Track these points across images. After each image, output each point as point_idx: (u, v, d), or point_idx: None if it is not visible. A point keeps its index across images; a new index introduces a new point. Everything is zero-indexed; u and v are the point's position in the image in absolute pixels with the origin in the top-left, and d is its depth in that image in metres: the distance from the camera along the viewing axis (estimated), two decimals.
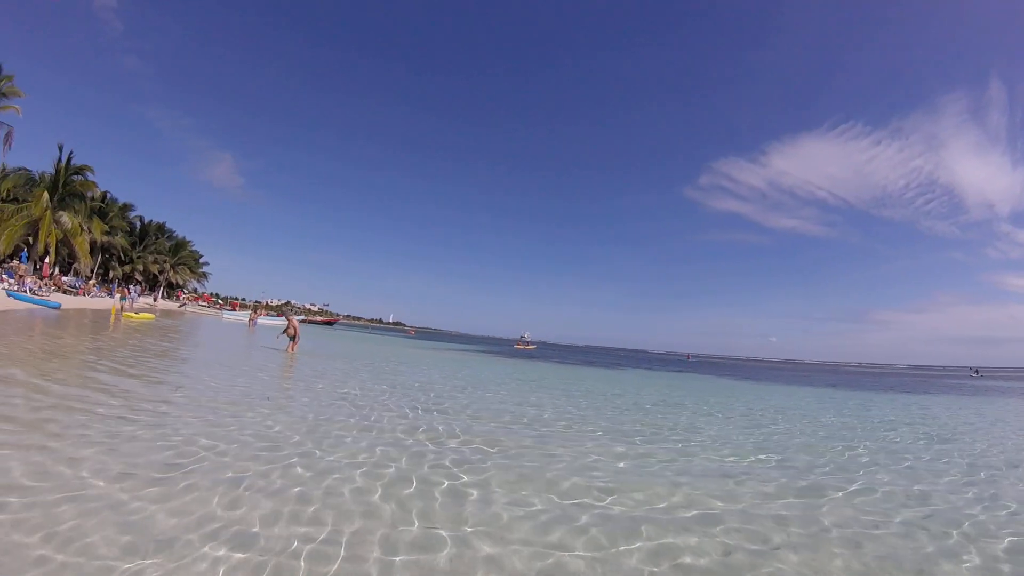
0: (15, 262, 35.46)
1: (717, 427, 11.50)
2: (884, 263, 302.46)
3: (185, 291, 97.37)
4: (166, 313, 50.99)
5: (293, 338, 21.87)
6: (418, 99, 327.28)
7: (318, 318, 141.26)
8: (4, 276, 33.40)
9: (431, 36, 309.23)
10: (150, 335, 21.35)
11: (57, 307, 29.32)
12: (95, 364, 11.23)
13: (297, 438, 6.83)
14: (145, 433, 6.21)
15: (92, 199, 53.66)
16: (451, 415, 9.91)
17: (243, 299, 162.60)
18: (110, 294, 56.21)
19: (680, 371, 46.25)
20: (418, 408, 10.45)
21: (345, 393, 11.55)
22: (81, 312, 30.03)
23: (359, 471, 5.62)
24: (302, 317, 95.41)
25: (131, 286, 48.39)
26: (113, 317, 29.02)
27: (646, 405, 15.06)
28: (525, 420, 10.24)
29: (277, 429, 7.24)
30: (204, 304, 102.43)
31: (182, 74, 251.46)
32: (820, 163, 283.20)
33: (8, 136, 33.92)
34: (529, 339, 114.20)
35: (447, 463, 6.37)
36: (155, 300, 74.72)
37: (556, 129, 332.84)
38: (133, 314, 31.81)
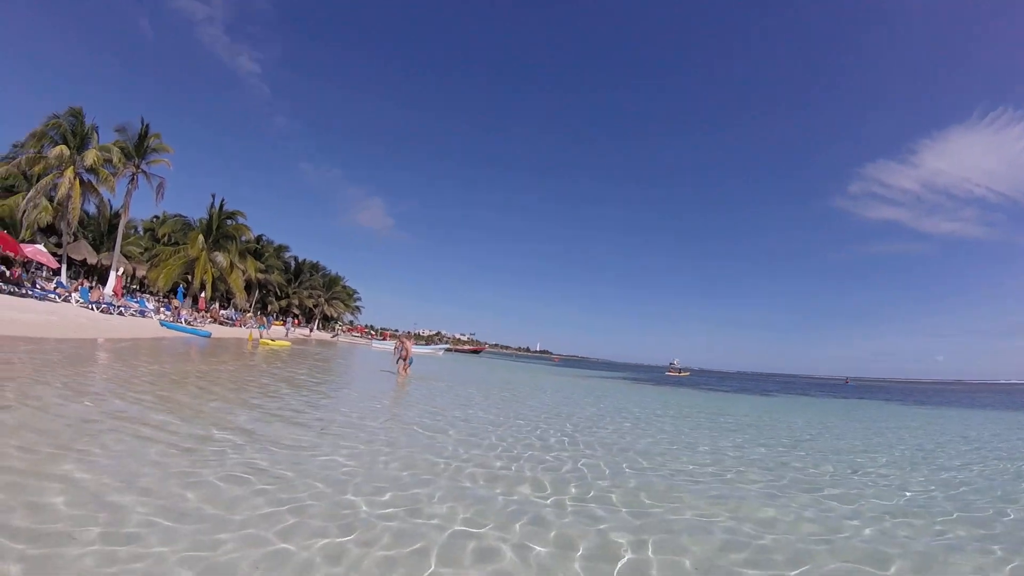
0: (175, 299, 40.89)
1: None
2: None
3: (340, 323, 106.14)
4: (320, 343, 56.16)
5: (406, 360, 21.68)
6: (552, 122, 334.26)
7: (465, 347, 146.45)
8: (163, 309, 38.64)
9: (566, 61, 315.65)
10: (279, 359, 22.95)
11: (207, 335, 32.73)
12: (220, 381, 12.30)
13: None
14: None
15: (248, 241, 60.87)
16: (597, 453, 8.58)
17: (395, 330, 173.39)
18: (264, 325, 63.10)
19: (844, 397, 42.86)
20: (563, 445, 9.06)
21: (469, 418, 11.16)
22: (227, 340, 33.46)
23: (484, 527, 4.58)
24: (445, 346, 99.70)
25: (267, 316, 53.55)
26: (250, 344, 31.79)
27: (832, 446, 12.11)
28: (684, 461, 8.51)
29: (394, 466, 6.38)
30: (357, 335, 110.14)
31: (328, 128, 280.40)
32: (974, 157, 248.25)
33: (160, 187, 39.51)
34: (679, 366, 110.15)
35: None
36: (311, 331, 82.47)
37: (690, 141, 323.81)
38: (269, 340, 34.62)
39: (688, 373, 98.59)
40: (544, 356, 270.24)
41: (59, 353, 13.27)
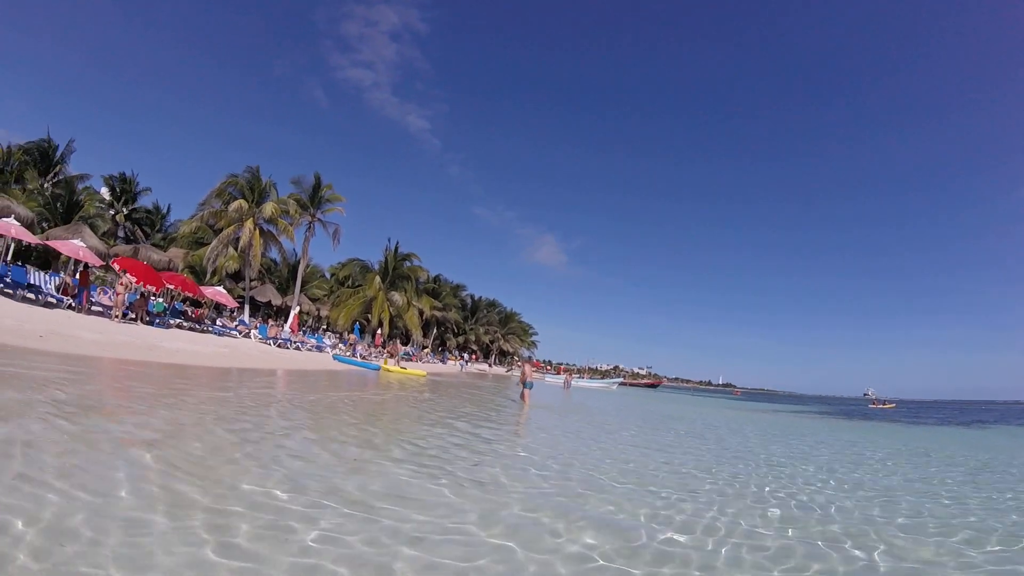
0: (351, 335, 42.33)
1: None
2: None
3: (517, 358, 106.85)
4: (497, 377, 55.77)
5: (524, 385, 19.89)
6: (715, 146, 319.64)
7: (642, 381, 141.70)
8: (339, 344, 39.97)
9: (729, 83, 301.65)
10: (405, 390, 20.88)
11: (376, 369, 32.75)
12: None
13: None
14: None
15: (424, 281, 62.76)
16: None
17: (572, 364, 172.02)
18: (442, 360, 64.32)
19: None
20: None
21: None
22: (398, 376, 32.82)
23: None
24: (618, 380, 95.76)
25: (397, 342, 53.56)
26: (383, 372, 30.53)
27: None
28: None
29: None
30: (534, 369, 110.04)
31: (499, 173, 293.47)
32: None
33: (336, 233, 41.37)
34: (874, 395, 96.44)
35: None
36: (489, 366, 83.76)
37: (855, 153, 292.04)
38: (399, 368, 32.99)
39: (894, 405, 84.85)
40: (726, 389, 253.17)
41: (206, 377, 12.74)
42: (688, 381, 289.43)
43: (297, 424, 8.63)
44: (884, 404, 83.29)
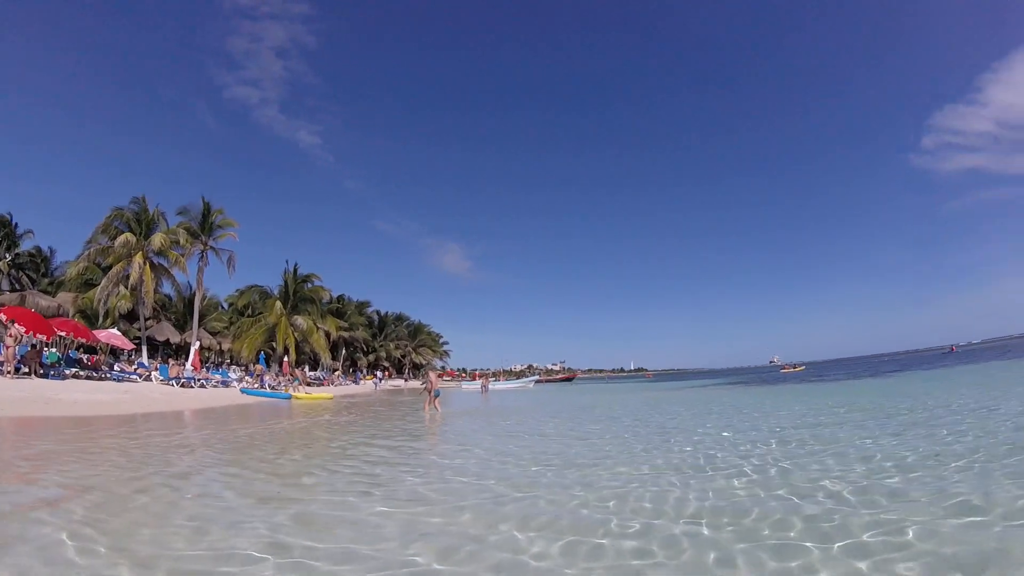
0: (257, 365, 41.74)
1: None
2: None
3: (425, 369, 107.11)
4: (413, 391, 55.43)
5: (431, 393, 20.41)
6: (607, 136, 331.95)
7: (557, 376, 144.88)
8: (246, 377, 39.45)
9: (613, 101, 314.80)
10: (318, 415, 20.84)
11: (288, 397, 32.70)
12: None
13: None
14: None
15: (328, 302, 62.43)
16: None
17: (487, 369, 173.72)
18: (355, 381, 64.02)
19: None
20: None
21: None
22: (305, 402, 32.78)
23: None
24: (534, 378, 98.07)
25: (304, 368, 53.18)
26: (294, 400, 30.80)
27: None
28: None
29: None
30: (448, 379, 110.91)
31: (397, 185, 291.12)
32: None
33: (230, 260, 40.84)
34: (780, 362, 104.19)
35: None
36: (404, 381, 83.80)
37: (747, 130, 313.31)
38: (306, 395, 33.44)
39: (803, 368, 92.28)
40: (638, 374, 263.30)
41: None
42: (602, 371, 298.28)
43: (208, 463, 8.63)
44: (794, 367, 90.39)
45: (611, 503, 5.48)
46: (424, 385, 21.37)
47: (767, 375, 72.35)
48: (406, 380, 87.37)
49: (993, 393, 16.75)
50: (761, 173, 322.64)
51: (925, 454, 7.46)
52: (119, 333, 30.67)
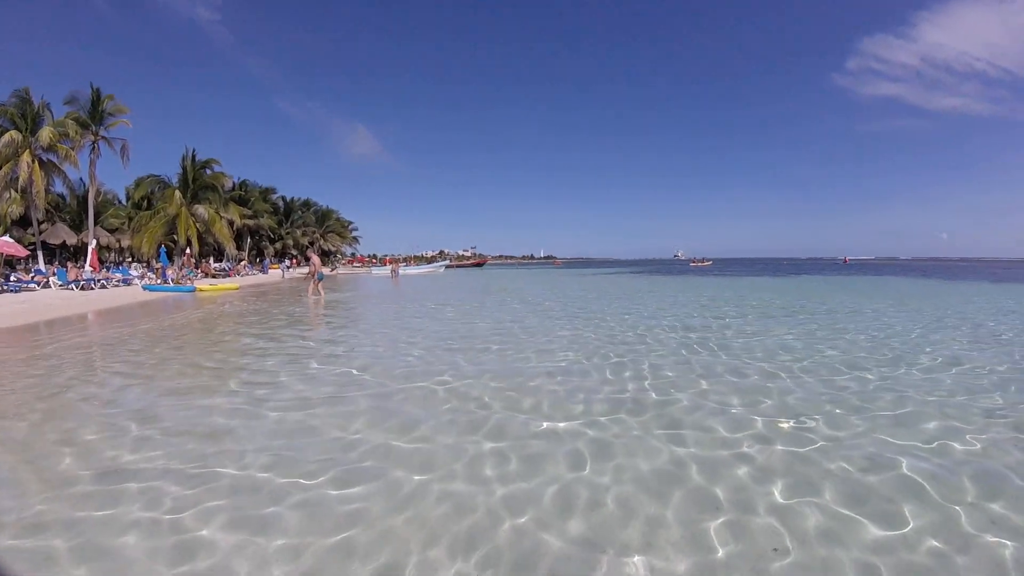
0: (157, 261, 40.05)
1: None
2: None
3: (339, 256, 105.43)
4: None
5: (314, 277, 20.54)
6: (530, 29, 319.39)
7: (467, 262, 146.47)
8: (148, 274, 37.97)
9: None
10: (223, 306, 19.97)
11: (191, 290, 31.72)
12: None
13: None
14: None
15: (233, 188, 59.54)
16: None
17: (397, 255, 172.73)
18: (263, 270, 62.53)
19: (847, 274, 45.33)
20: None
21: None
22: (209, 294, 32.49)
23: None
24: (444, 263, 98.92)
25: (205, 260, 51.37)
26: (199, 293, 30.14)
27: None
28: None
29: None
30: (358, 265, 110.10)
31: (300, 63, 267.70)
32: (975, 29, 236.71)
33: (124, 149, 37.97)
34: (683, 256, 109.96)
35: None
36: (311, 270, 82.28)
37: (683, 39, 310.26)
38: (212, 286, 32.37)
39: (711, 263, 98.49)
40: (547, 262, 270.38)
41: None
42: (512, 257, 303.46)
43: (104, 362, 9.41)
44: (702, 262, 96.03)
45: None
46: (308, 269, 21.46)
47: (675, 267, 76.79)
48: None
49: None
50: (684, 78, 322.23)
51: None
52: (11, 240, 28.51)
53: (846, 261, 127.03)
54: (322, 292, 20.45)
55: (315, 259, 21.37)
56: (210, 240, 49.98)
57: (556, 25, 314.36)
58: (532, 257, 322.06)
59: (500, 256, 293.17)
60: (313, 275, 20.72)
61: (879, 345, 10.06)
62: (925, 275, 47.81)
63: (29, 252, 33.72)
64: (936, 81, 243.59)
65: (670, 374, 7.64)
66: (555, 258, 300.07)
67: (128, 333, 13.17)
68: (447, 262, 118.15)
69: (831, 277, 44.94)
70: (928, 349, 9.65)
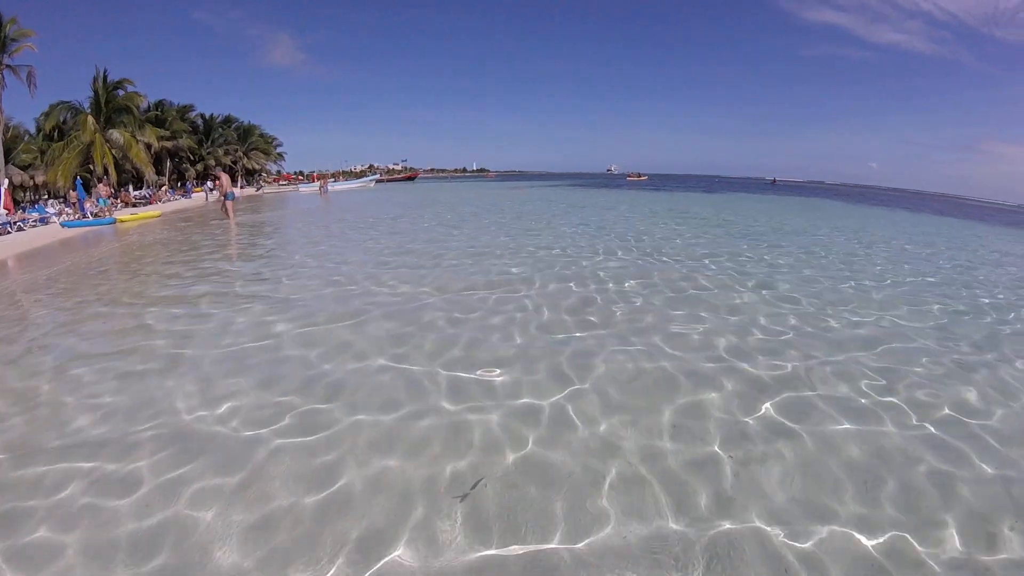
0: (73, 193, 38.09)
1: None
2: (1001, 89, 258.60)
3: (264, 174, 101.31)
4: (249, 199, 53.35)
5: (224, 197, 19.21)
6: None
7: (397, 176, 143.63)
8: (65, 210, 36.27)
9: None
10: (145, 235, 20.12)
11: (112, 222, 30.57)
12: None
13: None
14: None
15: (148, 109, 56.06)
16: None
17: (325, 171, 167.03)
18: (185, 195, 60.06)
19: (775, 195, 47.83)
20: None
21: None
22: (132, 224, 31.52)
23: None
24: (374, 177, 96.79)
25: (124, 188, 48.88)
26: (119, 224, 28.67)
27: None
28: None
29: None
30: (285, 183, 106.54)
31: None
32: None
33: (30, 75, 34.95)
34: (616, 170, 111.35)
35: None
36: (239, 188, 79.21)
37: None
38: (127, 216, 30.94)
39: (647, 178, 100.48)
40: (480, 175, 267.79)
41: None
42: (444, 171, 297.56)
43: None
44: (639, 176, 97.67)
45: None
46: (214, 189, 20.63)
47: (611, 181, 77.97)
48: (240, 188, 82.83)
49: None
50: None
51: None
52: None
53: (774, 182, 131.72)
54: (232, 214, 18.87)
55: (224, 178, 20.02)
56: (128, 167, 47.49)
57: None
58: (464, 170, 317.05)
59: (432, 169, 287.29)
60: (223, 195, 19.23)
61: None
62: (852, 200, 51.68)
63: None
64: (881, 15, 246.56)
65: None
66: (488, 171, 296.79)
67: (44, 276, 12.86)
68: (377, 176, 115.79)
69: (762, 196, 47.88)
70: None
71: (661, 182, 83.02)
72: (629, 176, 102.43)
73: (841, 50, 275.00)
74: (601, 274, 9.37)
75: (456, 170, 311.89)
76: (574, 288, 8.56)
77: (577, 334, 6.25)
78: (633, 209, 23.53)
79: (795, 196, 48.30)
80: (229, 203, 19.13)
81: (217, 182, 19.28)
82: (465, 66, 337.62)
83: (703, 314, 7.25)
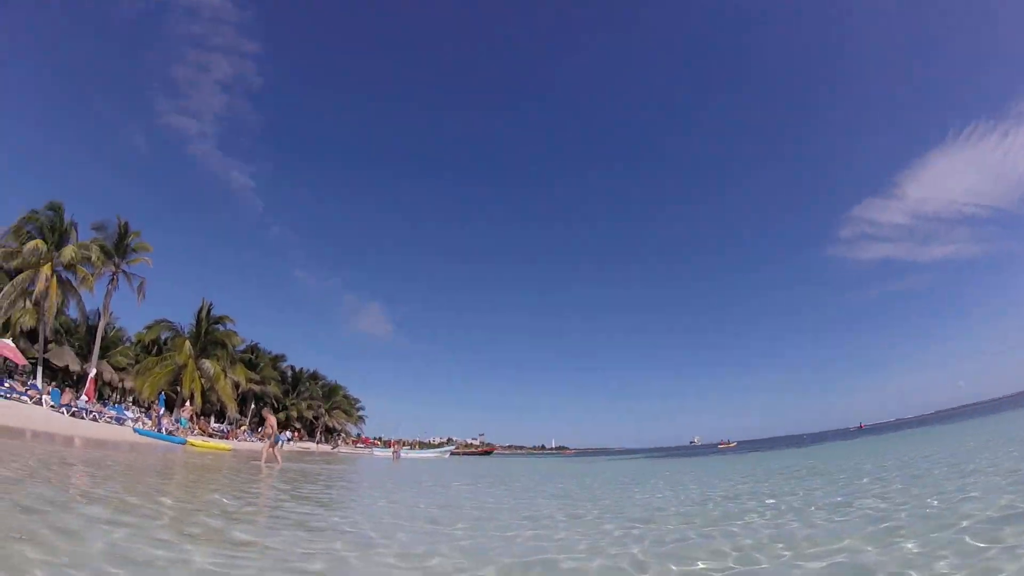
0: (157, 406, 39.26)
1: None
2: None
3: (343, 434, 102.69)
4: (323, 455, 52.57)
5: (271, 439, 18.25)
6: (536, 210, 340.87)
7: (475, 449, 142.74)
8: (143, 418, 36.97)
9: (547, 149, 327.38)
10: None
11: (182, 442, 30.60)
12: None
13: None
14: None
15: (243, 350, 60.09)
16: None
17: (403, 438, 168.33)
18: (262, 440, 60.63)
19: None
20: None
21: None
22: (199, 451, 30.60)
23: None
24: (450, 448, 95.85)
25: (206, 417, 49.78)
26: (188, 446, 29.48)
27: None
28: None
29: None
30: (362, 445, 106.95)
31: (322, 237, 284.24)
32: (956, 177, 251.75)
33: (141, 286, 39.15)
34: (700, 442, 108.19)
35: None
36: (316, 444, 79.61)
37: (674, 214, 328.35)
38: (203, 443, 31.61)
39: (736, 444, 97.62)
40: (559, 452, 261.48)
41: None
42: (522, 448, 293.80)
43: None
44: (728, 444, 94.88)
45: None
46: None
47: (702, 452, 74.17)
48: (317, 444, 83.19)
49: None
50: (678, 258, 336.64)
51: None
52: (12, 346, 28.30)
53: (862, 427, 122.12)
54: (279, 457, 17.63)
55: (271, 419, 18.77)
56: (213, 398, 49.27)
57: (559, 208, 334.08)
58: (543, 447, 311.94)
59: (510, 446, 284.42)
60: (269, 437, 18.24)
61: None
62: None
63: (29, 364, 33.15)
64: (929, 234, 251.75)
65: None
66: (567, 448, 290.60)
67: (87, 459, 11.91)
68: (453, 447, 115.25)
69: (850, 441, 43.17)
70: None
71: (750, 447, 78.90)
72: (720, 444, 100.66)
73: (898, 282, 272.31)
74: None
75: (535, 447, 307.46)
76: None
77: None
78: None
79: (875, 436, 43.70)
80: (277, 447, 18.21)
81: (264, 424, 18.52)
82: (542, 342, 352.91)
83: None
